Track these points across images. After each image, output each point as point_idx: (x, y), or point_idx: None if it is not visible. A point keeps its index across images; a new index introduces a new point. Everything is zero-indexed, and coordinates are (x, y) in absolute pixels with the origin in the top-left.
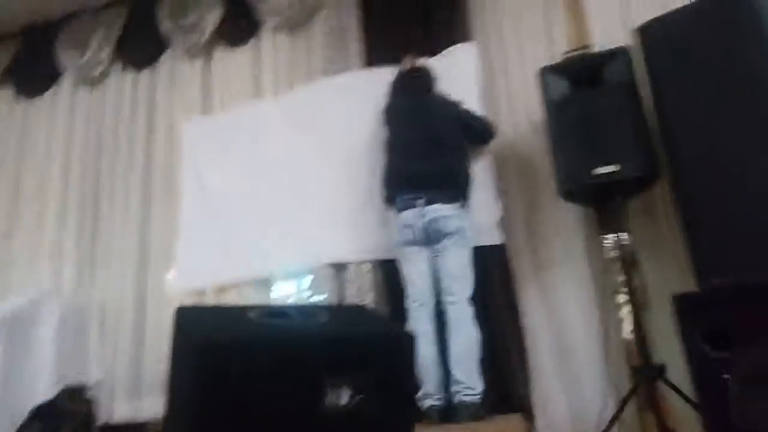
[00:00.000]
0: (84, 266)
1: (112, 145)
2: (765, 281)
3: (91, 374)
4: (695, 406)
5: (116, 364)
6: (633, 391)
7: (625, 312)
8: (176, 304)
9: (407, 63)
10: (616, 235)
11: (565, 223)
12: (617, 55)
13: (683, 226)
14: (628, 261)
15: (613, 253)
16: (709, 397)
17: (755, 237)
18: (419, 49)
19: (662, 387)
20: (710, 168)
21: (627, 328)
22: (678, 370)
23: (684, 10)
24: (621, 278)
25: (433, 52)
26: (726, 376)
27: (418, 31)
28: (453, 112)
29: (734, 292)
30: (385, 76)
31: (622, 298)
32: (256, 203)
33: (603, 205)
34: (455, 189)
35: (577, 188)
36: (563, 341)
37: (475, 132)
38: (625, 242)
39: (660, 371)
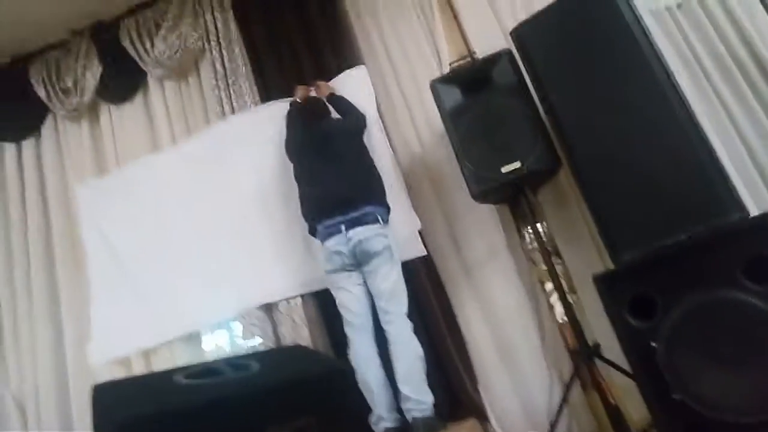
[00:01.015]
0: None
1: (4, 223)
2: (669, 248)
3: None
4: (632, 377)
5: None
6: (574, 375)
7: (555, 298)
8: (100, 377)
9: (299, 93)
10: (533, 226)
11: (483, 222)
12: (499, 58)
13: (590, 210)
14: (548, 249)
15: (533, 244)
16: (642, 366)
17: (654, 208)
18: (310, 78)
19: (601, 365)
20: (600, 150)
21: (559, 314)
22: (614, 347)
23: (548, 10)
24: (544, 267)
25: (324, 79)
26: (653, 343)
27: (306, 61)
28: (350, 128)
29: (646, 263)
30: (281, 108)
31: (549, 285)
32: (170, 258)
33: (515, 200)
34: (372, 205)
35: (486, 189)
36: (502, 337)
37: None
38: (542, 232)
39: (595, 350)
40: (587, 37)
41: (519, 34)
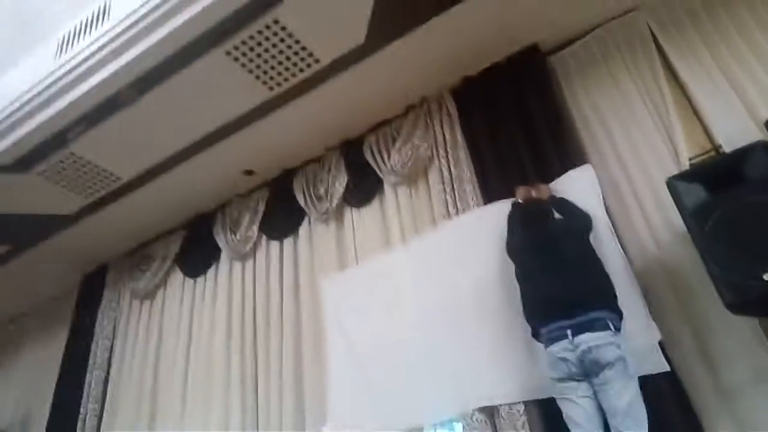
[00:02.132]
0: (247, 430)
1: (264, 311)
2: None
3: None
4: None
5: None
6: None
7: None
8: None
9: (520, 194)
10: None
11: (743, 338)
12: (754, 150)
13: None
14: None
15: None
16: None
17: None
18: (533, 180)
19: None
20: None
21: None
22: None
23: None
24: None
25: (547, 181)
26: None
27: (529, 164)
28: (575, 228)
29: None
30: (502, 208)
31: None
32: (399, 351)
33: None
34: (601, 310)
35: (745, 299)
36: None
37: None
38: None
39: None
40: None
41: None
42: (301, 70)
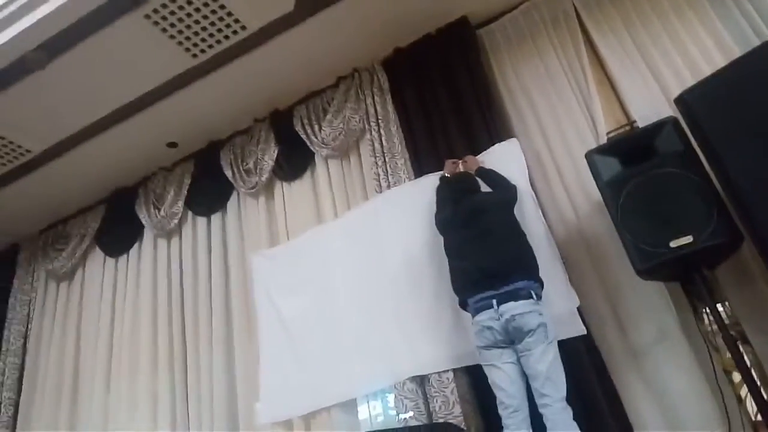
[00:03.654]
0: (177, 407)
1: (192, 289)
2: None
3: None
4: None
5: None
6: None
7: (745, 392)
8: None
9: (447, 167)
10: (712, 308)
11: (651, 301)
12: (665, 126)
13: None
14: (733, 335)
15: (713, 328)
16: None
17: None
18: (462, 153)
19: None
20: None
21: (751, 410)
22: None
23: (721, 73)
24: (729, 355)
25: (475, 154)
26: None
27: (458, 137)
28: (500, 200)
29: None
30: (432, 181)
31: (737, 376)
32: (330, 325)
33: (688, 277)
34: (524, 279)
35: (653, 265)
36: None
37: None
38: (724, 315)
39: None
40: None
41: (686, 100)
42: (227, 37)
